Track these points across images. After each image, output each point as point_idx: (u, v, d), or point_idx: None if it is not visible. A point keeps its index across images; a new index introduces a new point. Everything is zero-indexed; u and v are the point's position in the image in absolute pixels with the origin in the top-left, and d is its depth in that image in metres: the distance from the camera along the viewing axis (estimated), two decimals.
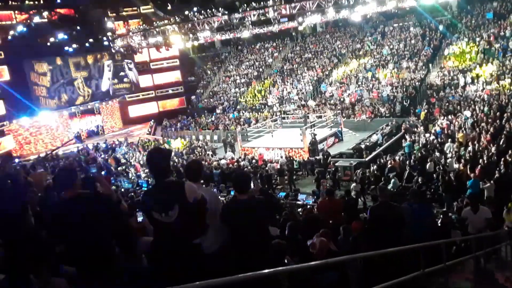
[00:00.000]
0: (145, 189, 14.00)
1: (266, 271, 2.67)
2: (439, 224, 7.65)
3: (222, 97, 34.14)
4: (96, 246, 2.97)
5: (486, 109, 17.94)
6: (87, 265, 2.99)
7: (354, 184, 14.29)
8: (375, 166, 15.51)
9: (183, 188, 2.96)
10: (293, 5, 22.49)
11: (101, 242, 3.01)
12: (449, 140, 15.76)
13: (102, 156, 24.06)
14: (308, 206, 10.74)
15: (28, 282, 2.56)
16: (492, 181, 11.11)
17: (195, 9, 27.46)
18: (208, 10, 25.12)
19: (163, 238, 3.00)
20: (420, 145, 16.64)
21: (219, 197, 12.45)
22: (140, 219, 4.37)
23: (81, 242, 2.94)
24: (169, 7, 33.39)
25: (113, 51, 31.41)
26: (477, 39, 24.72)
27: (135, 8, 34.59)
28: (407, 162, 15.32)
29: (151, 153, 3.26)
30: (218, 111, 31.98)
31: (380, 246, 4.62)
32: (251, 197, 3.53)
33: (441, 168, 13.47)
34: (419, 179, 13.18)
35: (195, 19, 25.11)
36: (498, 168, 11.89)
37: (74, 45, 30.27)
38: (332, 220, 6.97)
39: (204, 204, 3.06)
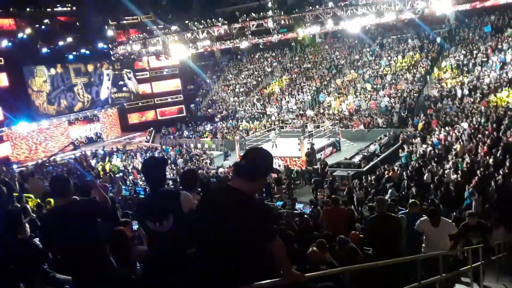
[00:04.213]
0: (142, 196, 13.94)
1: (264, 282, 2.64)
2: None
3: (221, 106, 34.22)
4: (90, 254, 2.95)
5: (483, 120, 18.03)
6: (81, 274, 2.97)
7: (357, 192, 14.32)
8: (373, 176, 15.51)
9: (178, 197, 2.95)
10: (292, 15, 22.72)
11: (95, 251, 2.99)
12: (452, 152, 15.79)
13: (100, 163, 23.99)
14: (305, 216, 10.69)
15: None
16: (480, 196, 11.13)
17: (195, 18, 27.66)
18: (208, 19, 25.34)
19: (157, 247, 2.99)
20: (418, 156, 16.67)
21: None
22: (135, 227, 4.36)
23: (75, 250, 2.92)
24: (169, 16, 33.63)
25: (113, 59, 31.50)
26: (475, 51, 24.92)
27: (135, 17, 34.78)
28: (404, 173, 15.32)
29: (146, 162, 3.26)
30: (217, 119, 32.03)
31: (377, 257, 4.60)
32: None
33: (439, 178, 13.48)
34: (413, 190, 13.18)
35: (195, 28, 25.31)
36: (494, 179, 11.93)
37: (75, 53, 30.36)
38: (335, 228, 6.93)
39: None
